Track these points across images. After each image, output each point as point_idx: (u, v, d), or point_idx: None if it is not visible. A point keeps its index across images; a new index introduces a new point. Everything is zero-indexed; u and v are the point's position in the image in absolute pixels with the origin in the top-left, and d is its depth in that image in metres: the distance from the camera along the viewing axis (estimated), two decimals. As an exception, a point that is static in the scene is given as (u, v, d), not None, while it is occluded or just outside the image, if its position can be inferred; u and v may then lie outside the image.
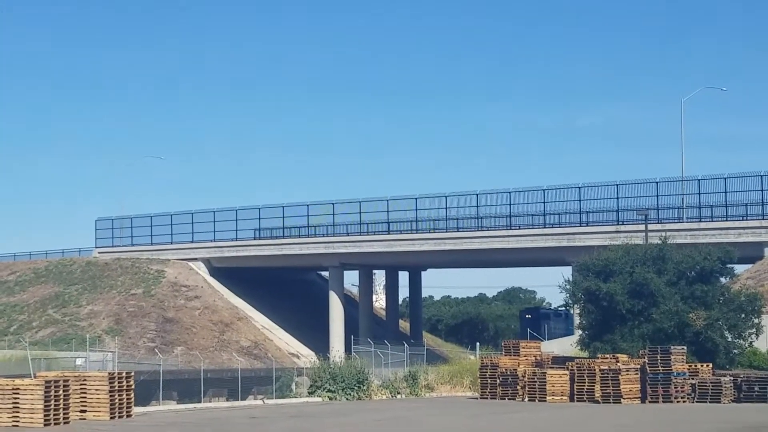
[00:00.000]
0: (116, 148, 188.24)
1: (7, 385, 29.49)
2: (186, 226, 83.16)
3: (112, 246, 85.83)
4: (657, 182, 62.27)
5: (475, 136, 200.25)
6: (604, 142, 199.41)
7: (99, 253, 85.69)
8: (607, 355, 41.41)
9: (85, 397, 31.29)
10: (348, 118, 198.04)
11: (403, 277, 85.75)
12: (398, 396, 45.89)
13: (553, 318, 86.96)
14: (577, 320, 50.71)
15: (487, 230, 68.07)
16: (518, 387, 41.50)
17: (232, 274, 79.62)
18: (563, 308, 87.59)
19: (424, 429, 27.35)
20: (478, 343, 64.02)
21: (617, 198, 63.28)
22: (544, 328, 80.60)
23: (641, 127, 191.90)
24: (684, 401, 38.01)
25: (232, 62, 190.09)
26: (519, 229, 66.59)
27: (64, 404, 29.56)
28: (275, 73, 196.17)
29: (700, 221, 59.88)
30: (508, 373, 42.02)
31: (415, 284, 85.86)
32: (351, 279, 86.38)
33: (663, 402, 37.90)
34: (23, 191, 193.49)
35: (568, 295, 47.26)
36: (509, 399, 41.18)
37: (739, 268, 53.78)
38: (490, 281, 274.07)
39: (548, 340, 62.21)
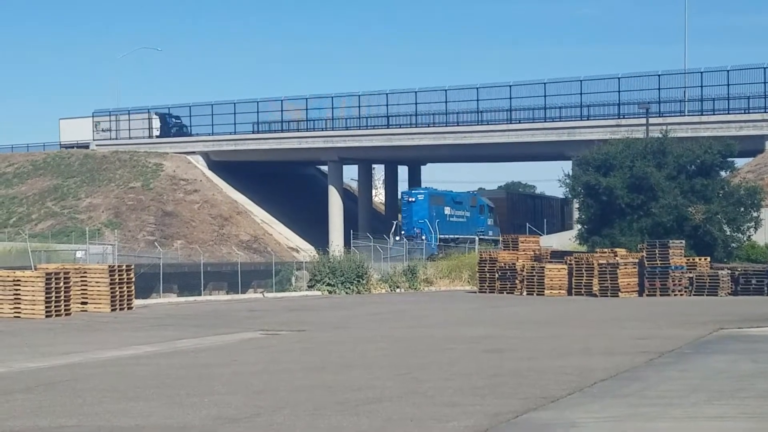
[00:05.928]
0: (113, 39, 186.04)
1: (8, 276, 29.62)
2: (184, 119, 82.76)
3: (110, 139, 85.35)
4: (659, 75, 61.71)
5: (475, 29, 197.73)
6: (606, 35, 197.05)
7: (97, 146, 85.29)
8: (606, 249, 41.58)
9: (85, 290, 31.43)
10: (347, 13, 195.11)
11: (403, 171, 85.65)
12: (397, 290, 46.18)
13: (450, 204, 68.39)
14: (576, 214, 50.75)
15: (487, 124, 67.68)
16: (517, 281, 41.78)
17: (230, 168, 79.40)
18: (470, 191, 78.74)
19: (424, 323, 27.52)
20: (477, 238, 64.10)
21: (618, 91, 62.80)
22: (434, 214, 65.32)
23: (643, 19, 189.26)
24: (681, 294, 38.24)
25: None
26: (519, 123, 66.19)
27: (65, 296, 29.71)
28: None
29: (702, 114, 59.54)
30: (507, 267, 42.24)
31: (414, 179, 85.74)
32: (350, 173, 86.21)
33: (660, 295, 38.14)
34: (21, 83, 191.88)
35: (567, 189, 47.36)
36: (507, 293, 41.50)
37: (739, 162, 53.80)
38: (489, 176, 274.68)
39: (546, 234, 62.29)
